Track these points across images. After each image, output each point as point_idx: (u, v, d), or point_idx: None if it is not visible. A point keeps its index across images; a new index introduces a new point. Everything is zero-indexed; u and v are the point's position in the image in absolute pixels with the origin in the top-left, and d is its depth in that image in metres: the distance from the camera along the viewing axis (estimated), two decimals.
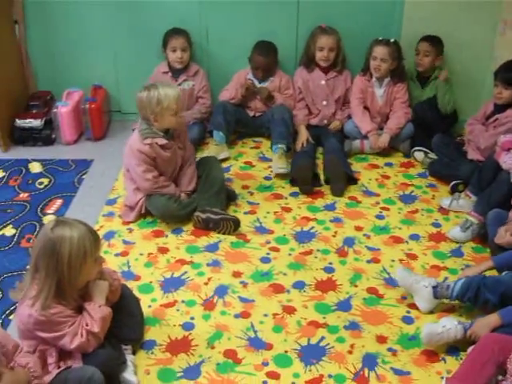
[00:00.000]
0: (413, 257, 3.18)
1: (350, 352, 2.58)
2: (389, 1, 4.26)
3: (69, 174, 4.05)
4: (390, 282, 2.97)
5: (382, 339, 2.65)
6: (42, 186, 3.93)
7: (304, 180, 3.69)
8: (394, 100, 4.22)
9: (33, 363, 2.13)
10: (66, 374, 2.20)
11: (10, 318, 2.78)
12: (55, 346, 2.32)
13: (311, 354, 2.56)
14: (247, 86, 4.18)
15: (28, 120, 4.41)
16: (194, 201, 3.43)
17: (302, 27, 4.30)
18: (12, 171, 4.14)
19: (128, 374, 2.42)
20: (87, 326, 2.31)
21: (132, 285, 2.83)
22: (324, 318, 2.74)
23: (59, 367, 2.29)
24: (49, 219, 3.40)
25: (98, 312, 2.35)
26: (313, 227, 3.37)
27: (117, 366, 2.41)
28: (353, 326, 2.71)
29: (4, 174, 4.12)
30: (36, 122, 4.40)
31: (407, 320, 2.75)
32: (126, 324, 2.56)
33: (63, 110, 4.37)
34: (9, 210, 3.70)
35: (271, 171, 3.90)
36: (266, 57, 4.17)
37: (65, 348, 2.30)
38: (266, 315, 2.76)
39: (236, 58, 4.37)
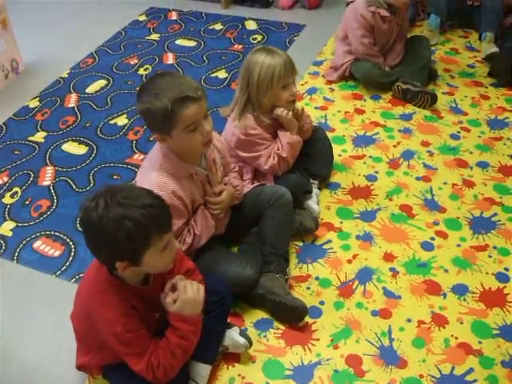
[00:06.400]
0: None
1: None
2: None
3: (281, 34, 4.32)
4: None
5: None
6: (255, 41, 4.24)
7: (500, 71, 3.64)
8: None
9: (241, 187, 2.46)
10: (261, 189, 2.50)
11: None
12: (251, 165, 2.65)
13: (481, 224, 2.66)
14: None
15: None
16: (396, 72, 3.55)
17: None
18: (229, 25, 4.50)
19: (311, 202, 2.69)
20: (278, 150, 2.60)
21: None
22: (500, 197, 2.81)
23: (253, 183, 2.62)
24: None
25: (287, 138, 2.62)
26: (507, 117, 3.36)
27: (303, 192, 2.69)
28: None
29: (222, 27, 4.49)
30: None
31: None
32: (316, 161, 2.84)
33: None
34: (223, 57, 4.07)
35: (476, 60, 3.88)
36: None
37: (259, 168, 2.63)
38: (445, 183, 2.90)
39: None
